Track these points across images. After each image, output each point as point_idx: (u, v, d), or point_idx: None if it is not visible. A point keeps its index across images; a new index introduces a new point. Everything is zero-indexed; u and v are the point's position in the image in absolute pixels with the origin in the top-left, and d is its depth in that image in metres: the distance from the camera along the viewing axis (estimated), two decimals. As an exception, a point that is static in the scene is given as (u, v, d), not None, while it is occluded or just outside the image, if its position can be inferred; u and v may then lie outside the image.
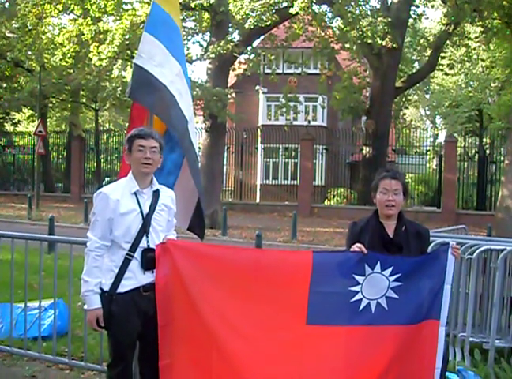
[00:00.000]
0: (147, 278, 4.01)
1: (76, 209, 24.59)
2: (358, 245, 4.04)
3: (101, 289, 3.96)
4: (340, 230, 18.98)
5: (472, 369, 5.65)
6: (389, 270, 3.97)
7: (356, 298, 3.98)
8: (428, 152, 32.24)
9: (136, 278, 3.99)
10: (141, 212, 4.01)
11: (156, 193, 4.13)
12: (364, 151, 26.19)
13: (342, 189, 28.79)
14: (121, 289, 3.96)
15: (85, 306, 4.05)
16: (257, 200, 31.46)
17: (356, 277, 3.98)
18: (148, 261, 3.98)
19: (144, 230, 4.00)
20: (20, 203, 26.74)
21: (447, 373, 4.79)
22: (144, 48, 4.68)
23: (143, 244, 3.99)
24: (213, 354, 3.94)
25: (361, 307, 3.99)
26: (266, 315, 4.00)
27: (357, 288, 3.98)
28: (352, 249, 4.07)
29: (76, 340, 6.03)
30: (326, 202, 28.61)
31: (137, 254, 3.98)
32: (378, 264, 3.98)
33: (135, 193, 4.04)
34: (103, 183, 29.56)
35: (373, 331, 3.98)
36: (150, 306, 3.99)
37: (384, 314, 3.99)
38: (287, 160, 33.06)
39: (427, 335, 3.98)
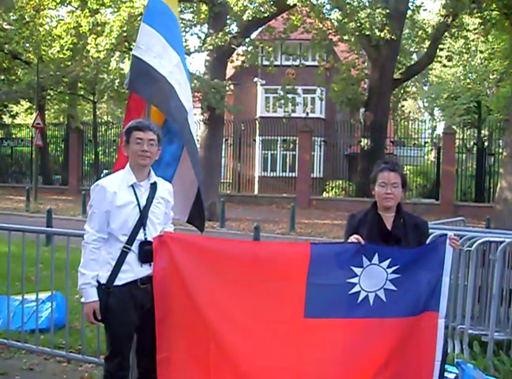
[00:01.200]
0: (144, 271, 4.00)
1: (74, 201, 24.56)
2: (355, 236, 4.02)
3: (98, 282, 3.95)
4: (339, 223, 18.97)
5: (471, 361, 5.64)
6: (387, 262, 3.95)
7: (354, 290, 3.96)
8: (427, 144, 32.15)
9: (133, 271, 3.97)
10: (139, 204, 3.99)
11: (154, 186, 4.10)
12: (362, 143, 26.16)
13: (340, 181, 28.75)
14: (118, 282, 3.94)
15: (82, 299, 4.04)
16: (256, 192, 31.47)
17: (354, 269, 3.96)
18: (146, 254, 3.96)
19: (142, 222, 3.97)
20: (18, 195, 26.69)
21: (446, 366, 4.77)
22: (143, 39, 4.65)
23: (140, 237, 3.97)
24: (211, 347, 3.92)
25: (359, 299, 3.97)
26: (264, 308, 3.98)
27: (355, 280, 3.96)
28: (349, 241, 4.05)
29: (73, 333, 6.02)
30: (325, 194, 28.59)
31: (135, 247, 3.96)
32: (376, 255, 3.96)
33: (132, 186, 4.01)
34: (102, 175, 29.48)
35: (371, 323, 3.96)
36: (147, 299, 3.97)
37: (382, 306, 3.97)
38: (285, 152, 33.03)
39: (426, 328, 3.97)
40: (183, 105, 4.72)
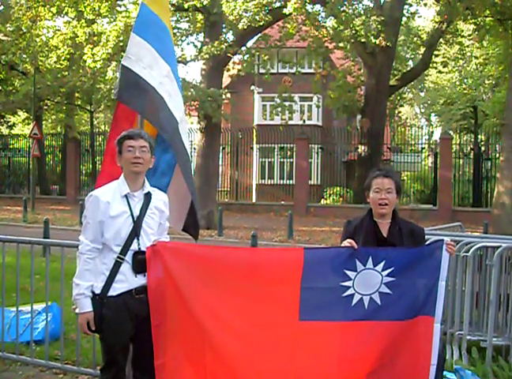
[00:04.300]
0: (139, 281, 3.98)
1: (71, 211, 24.50)
2: (349, 240, 4.03)
3: (93, 292, 3.93)
4: (337, 229, 18.95)
5: (469, 367, 5.63)
6: (382, 264, 3.95)
7: (348, 292, 3.96)
8: (424, 150, 32.12)
9: (127, 281, 3.96)
10: (132, 214, 3.98)
11: (148, 196, 4.09)
12: (360, 150, 26.16)
13: (338, 188, 28.74)
14: (112, 292, 3.93)
15: (77, 310, 4.02)
16: (253, 200, 31.44)
17: (348, 272, 3.96)
18: (139, 264, 3.95)
19: (135, 233, 3.96)
20: (15, 206, 26.66)
21: (444, 372, 4.75)
22: (133, 49, 4.66)
23: (134, 247, 3.96)
24: (207, 353, 3.92)
25: (354, 302, 3.97)
26: (259, 312, 3.98)
27: (349, 283, 3.96)
28: (342, 245, 4.05)
29: (70, 344, 5.99)
30: (322, 201, 28.58)
31: (128, 257, 3.95)
32: (370, 259, 3.96)
33: (126, 196, 4.01)
34: (99, 185, 29.41)
35: (366, 326, 3.97)
36: (142, 309, 3.95)
37: (377, 309, 3.98)
38: (282, 160, 32.97)
39: (421, 332, 3.97)
40: (173, 115, 4.71)
